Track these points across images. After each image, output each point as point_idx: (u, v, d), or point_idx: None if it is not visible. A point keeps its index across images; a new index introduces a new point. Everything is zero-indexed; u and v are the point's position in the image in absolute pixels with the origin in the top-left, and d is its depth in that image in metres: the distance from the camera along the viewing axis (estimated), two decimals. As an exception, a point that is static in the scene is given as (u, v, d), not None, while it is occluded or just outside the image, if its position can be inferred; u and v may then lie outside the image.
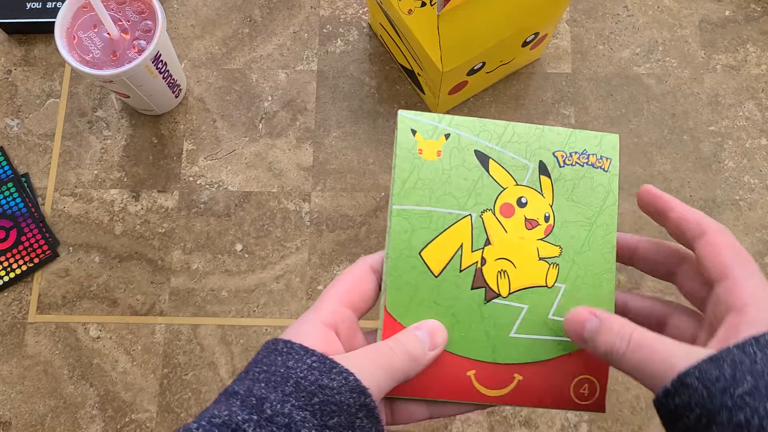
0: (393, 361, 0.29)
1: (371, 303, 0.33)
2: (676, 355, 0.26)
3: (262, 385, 0.26)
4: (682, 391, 0.25)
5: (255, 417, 0.25)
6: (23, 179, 0.59)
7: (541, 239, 0.34)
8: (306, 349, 0.28)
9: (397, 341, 0.30)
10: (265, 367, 0.27)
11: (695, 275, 0.31)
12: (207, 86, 0.61)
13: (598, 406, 0.33)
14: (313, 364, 0.27)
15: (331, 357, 0.28)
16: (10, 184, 0.58)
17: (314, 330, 0.29)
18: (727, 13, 0.62)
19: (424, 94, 0.58)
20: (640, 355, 0.27)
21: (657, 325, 0.33)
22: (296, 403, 0.26)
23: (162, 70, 0.53)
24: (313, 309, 0.31)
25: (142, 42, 0.51)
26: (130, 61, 0.50)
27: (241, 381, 0.28)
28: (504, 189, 0.34)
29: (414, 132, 0.33)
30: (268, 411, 0.25)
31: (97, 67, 0.50)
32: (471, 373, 0.32)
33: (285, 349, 0.28)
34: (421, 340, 0.31)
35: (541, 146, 0.34)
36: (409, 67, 0.57)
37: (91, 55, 0.51)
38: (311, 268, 0.57)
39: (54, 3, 0.60)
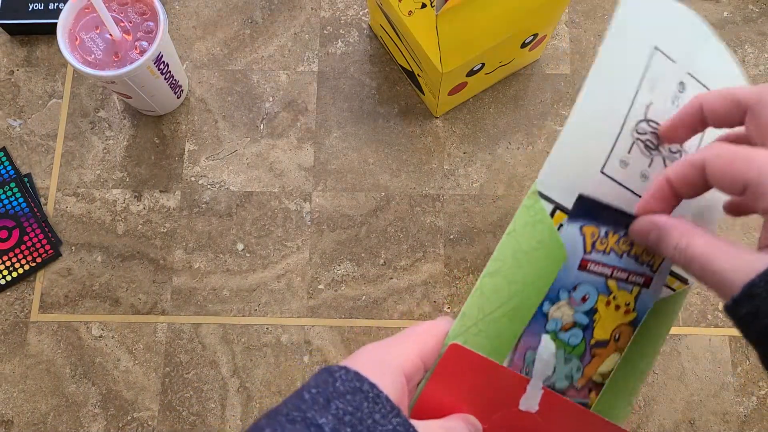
0: None
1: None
2: (734, 269, 0.26)
3: (348, 430, 0.26)
4: (748, 301, 0.25)
5: None
6: (26, 179, 0.59)
7: None
8: (393, 406, 0.27)
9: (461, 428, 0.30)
10: (350, 408, 0.27)
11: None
12: (208, 87, 0.61)
13: None
14: (398, 427, 0.27)
15: (412, 424, 0.27)
16: (12, 184, 0.58)
17: (395, 380, 0.28)
18: (725, 14, 0.63)
19: (424, 95, 0.59)
20: (698, 267, 0.28)
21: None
22: None
23: (164, 71, 0.54)
24: (397, 351, 0.30)
25: (144, 43, 0.52)
26: (132, 62, 0.50)
27: (322, 412, 0.26)
28: None
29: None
30: None
31: (99, 68, 0.51)
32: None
33: (372, 396, 0.27)
34: None
35: None
36: (409, 68, 0.57)
37: (93, 56, 0.51)
38: (312, 267, 0.57)
39: (56, 4, 0.60)
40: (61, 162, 0.60)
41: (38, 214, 0.58)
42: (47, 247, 0.57)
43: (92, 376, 0.55)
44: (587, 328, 0.32)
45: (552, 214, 0.30)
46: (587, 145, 0.30)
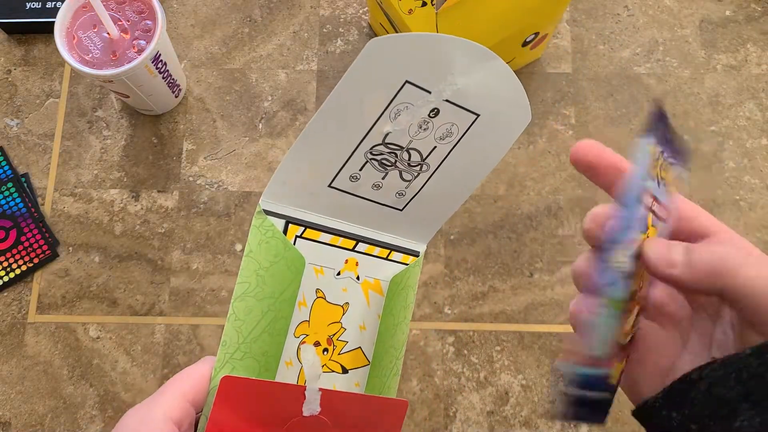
0: None
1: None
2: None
3: None
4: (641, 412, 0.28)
5: None
6: (23, 179, 0.59)
7: None
8: None
9: None
10: None
11: None
12: (207, 86, 0.61)
13: None
14: None
15: None
16: (9, 184, 0.58)
17: (163, 429, 0.29)
18: (727, 12, 0.62)
19: (424, 93, 0.58)
20: None
21: None
22: None
23: (162, 70, 0.53)
24: (159, 402, 0.30)
25: (142, 42, 0.51)
26: (129, 61, 0.50)
27: None
28: None
29: None
30: None
31: (97, 67, 0.50)
32: None
33: None
34: None
35: None
36: (409, 67, 0.57)
37: (90, 55, 0.51)
38: (311, 268, 0.57)
39: (54, 3, 0.60)
40: (59, 162, 0.59)
41: (35, 214, 0.58)
42: (44, 247, 0.57)
43: (90, 378, 0.55)
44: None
45: (285, 228, 0.33)
46: (315, 165, 0.32)
